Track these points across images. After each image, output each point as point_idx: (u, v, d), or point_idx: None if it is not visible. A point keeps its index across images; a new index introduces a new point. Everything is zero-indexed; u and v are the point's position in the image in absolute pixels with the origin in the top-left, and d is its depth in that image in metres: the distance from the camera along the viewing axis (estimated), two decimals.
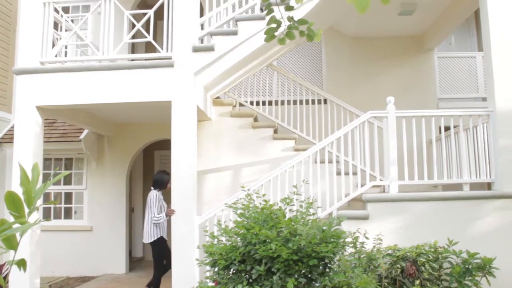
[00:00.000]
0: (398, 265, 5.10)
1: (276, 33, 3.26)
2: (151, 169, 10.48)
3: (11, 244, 2.07)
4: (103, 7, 6.12)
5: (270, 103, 8.06)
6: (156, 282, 6.39)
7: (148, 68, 5.99)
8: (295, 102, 8.03)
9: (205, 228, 5.45)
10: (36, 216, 4.89)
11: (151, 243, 6.39)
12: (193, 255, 5.58)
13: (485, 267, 5.06)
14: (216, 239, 4.21)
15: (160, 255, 6.38)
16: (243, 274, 3.90)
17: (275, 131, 7.44)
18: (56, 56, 6.35)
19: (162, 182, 6.51)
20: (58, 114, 6.73)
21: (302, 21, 3.27)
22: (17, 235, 2.07)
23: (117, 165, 8.77)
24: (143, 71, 5.99)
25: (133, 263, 9.45)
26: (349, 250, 4.79)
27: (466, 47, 10.16)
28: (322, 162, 6.57)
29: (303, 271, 3.77)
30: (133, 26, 6.23)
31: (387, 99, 6.00)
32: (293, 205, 4.31)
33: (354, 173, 6.12)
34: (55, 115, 6.81)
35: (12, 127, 8.70)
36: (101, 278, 8.19)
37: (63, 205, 8.89)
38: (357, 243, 4.88)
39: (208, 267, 4.17)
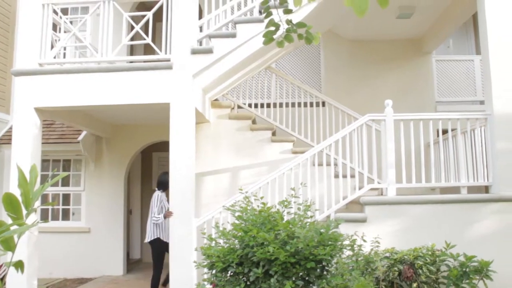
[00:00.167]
0: (396, 268, 5.11)
1: (274, 36, 3.27)
2: (149, 171, 10.48)
3: (9, 245, 2.07)
4: (102, 9, 6.13)
5: (268, 105, 8.07)
6: (155, 283, 6.38)
7: (147, 70, 6.00)
8: (293, 104, 8.04)
9: (203, 230, 5.45)
10: (34, 217, 4.88)
11: (150, 243, 6.41)
12: (191, 257, 5.57)
13: (482, 270, 5.06)
14: (214, 241, 4.21)
15: (159, 255, 6.39)
16: (240, 277, 3.90)
17: (273, 134, 7.44)
18: (54, 57, 6.36)
19: (165, 183, 6.51)
20: (57, 115, 6.73)
21: (300, 24, 3.28)
22: (15, 236, 2.07)
23: (115, 166, 8.76)
24: (141, 73, 5.99)
25: (131, 264, 9.43)
26: (347, 253, 4.79)
27: (464, 50, 10.19)
28: (320, 164, 6.57)
29: (300, 273, 3.77)
30: (132, 28, 6.24)
31: (385, 102, 6.02)
32: (291, 207, 4.31)
33: (352, 176, 6.13)
34: (53, 117, 6.80)
35: (10, 128, 8.69)
36: (99, 280, 8.17)
37: (61, 207, 8.87)
38: (355, 245, 4.89)
39: (205, 269, 4.17)
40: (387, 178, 5.86)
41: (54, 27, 6.57)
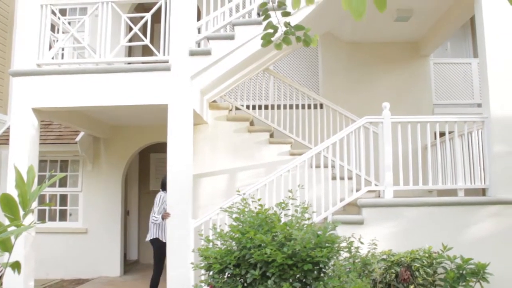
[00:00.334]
0: (393, 270, 5.12)
1: (272, 39, 3.27)
2: (146, 172, 10.47)
3: (6, 246, 2.07)
4: (101, 10, 6.12)
5: (266, 107, 8.07)
6: (154, 283, 6.36)
7: (145, 71, 6.00)
8: (291, 106, 8.06)
9: (200, 231, 5.45)
10: (31, 218, 4.89)
11: (150, 242, 6.44)
12: (188, 258, 5.57)
13: (479, 273, 5.08)
14: (211, 243, 4.21)
15: (159, 256, 6.38)
16: (238, 278, 3.90)
17: (271, 135, 7.45)
18: (53, 58, 6.35)
19: None
20: (54, 116, 6.73)
21: (298, 27, 3.29)
22: (12, 237, 2.07)
23: (112, 167, 8.76)
24: (140, 74, 5.99)
25: (128, 265, 9.42)
26: (344, 255, 4.80)
27: (462, 53, 10.22)
28: (318, 166, 6.59)
29: (297, 275, 3.78)
30: (130, 29, 6.24)
31: (382, 104, 6.03)
32: (288, 209, 4.32)
33: (350, 178, 6.14)
34: (51, 117, 6.80)
35: (8, 128, 8.68)
36: (96, 281, 8.16)
37: (58, 207, 8.85)
38: (352, 248, 4.89)
39: (203, 271, 4.17)
40: (385, 181, 5.87)
41: (53, 27, 6.56)
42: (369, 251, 5.21)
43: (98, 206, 8.69)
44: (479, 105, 9.09)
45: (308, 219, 4.31)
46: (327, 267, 3.94)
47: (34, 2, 6.17)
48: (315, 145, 7.20)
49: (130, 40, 6.46)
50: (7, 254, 2.08)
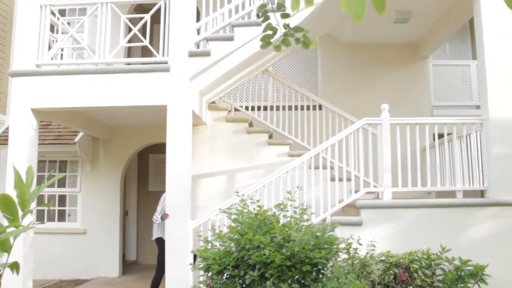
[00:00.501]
0: (391, 272, 5.12)
1: (272, 40, 3.28)
2: (145, 173, 10.47)
3: (5, 247, 2.07)
4: (100, 11, 6.12)
5: (265, 108, 8.08)
6: (154, 284, 6.35)
7: (144, 72, 6.00)
8: (290, 107, 8.06)
9: (199, 232, 5.45)
10: (29, 218, 4.88)
11: (155, 241, 6.43)
12: (187, 259, 5.57)
13: (477, 274, 5.09)
14: (210, 244, 4.21)
15: (163, 255, 6.37)
16: (236, 279, 3.90)
17: (270, 137, 7.45)
18: (52, 58, 6.35)
19: None
20: (53, 116, 6.72)
21: (297, 29, 3.29)
22: (11, 237, 2.07)
23: (111, 168, 8.75)
24: (139, 75, 5.99)
25: (127, 266, 9.41)
26: (343, 256, 4.80)
27: (461, 55, 10.23)
28: (317, 168, 6.59)
29: (296, 277, 3.78)
30: (130, 30, 6.24)
31: (381, 106, 6.03)
32: (287, 211, 4.32)
33: (348, 179, 6.14)
34: (50, 118, 6.79)
35: (7, 129, 8.67)
36: (94, 281, 8.15)
37: (56, 208, 8.85)
38: (351, 249, 4.90)
39: (201, 272, 4.17)
40: (383, 182, 5.88)
41: (52, 28, 6.56)
42: (367, 253, 5.22)
43: (97, 206, 8.68)
44: (478, 107, 9.10)
45: (307, 220, 4.32)
46: (325, 268, 3.94)
47: (34, 3, 6.16)
48: (314, 147, 7.20)
49: (129, 41, 6.46)
50: (5, 254, 2.08)
